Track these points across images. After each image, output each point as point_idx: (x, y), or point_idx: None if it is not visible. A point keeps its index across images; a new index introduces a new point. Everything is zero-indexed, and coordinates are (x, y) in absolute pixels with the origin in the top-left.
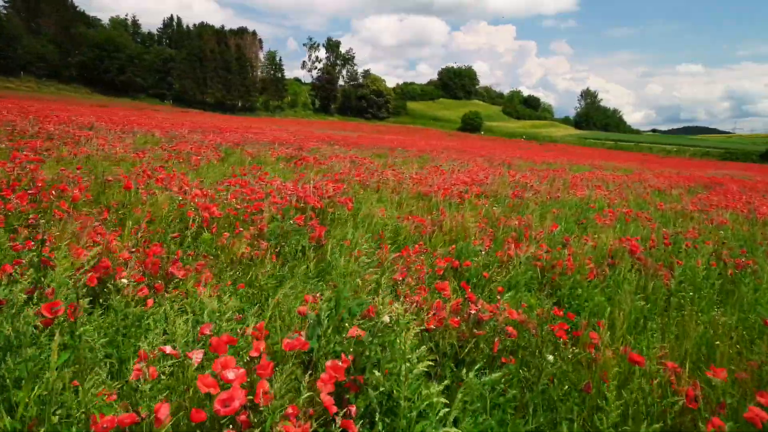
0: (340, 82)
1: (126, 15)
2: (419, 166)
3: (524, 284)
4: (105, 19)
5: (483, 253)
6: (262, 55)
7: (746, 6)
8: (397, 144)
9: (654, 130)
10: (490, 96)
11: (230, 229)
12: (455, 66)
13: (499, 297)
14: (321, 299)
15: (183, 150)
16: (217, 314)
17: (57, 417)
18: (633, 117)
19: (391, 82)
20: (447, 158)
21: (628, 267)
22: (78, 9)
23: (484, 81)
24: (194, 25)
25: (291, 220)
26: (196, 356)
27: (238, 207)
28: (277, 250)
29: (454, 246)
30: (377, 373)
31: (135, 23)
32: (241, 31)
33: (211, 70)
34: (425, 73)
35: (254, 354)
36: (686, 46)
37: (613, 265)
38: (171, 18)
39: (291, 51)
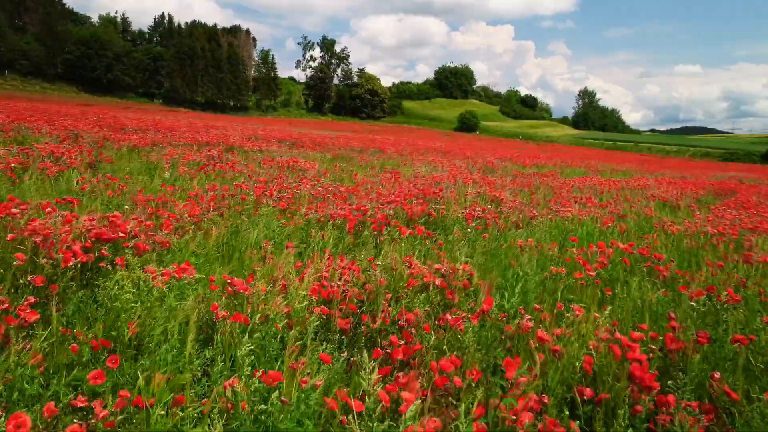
0: (335, 81)
1: (116, 12)
2: (377, 171)
3: None
4: (96, 17)
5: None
6: (255, 54)
7: (744, 7)
8: (376, 145)
9: (652, 130)
10: (488, 95)
11: None
12: (452, 65)
13: None
14: None
15: (37, 154)
16: None
17: None
18: (631, 117)
19: (389, 83)
20: (422, 161)
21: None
22: (66, 6)
23: (483, 81)
24: (186, 23)
25: None
26: None
27: None
28: None
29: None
30: None
31: (124, 21)
32: (235, 30)
33: (202, 69)
34: (425, 74)
35: None
36: (684, 47)
37: (592, 403)
38: (162, 16)
39: (290, 51)
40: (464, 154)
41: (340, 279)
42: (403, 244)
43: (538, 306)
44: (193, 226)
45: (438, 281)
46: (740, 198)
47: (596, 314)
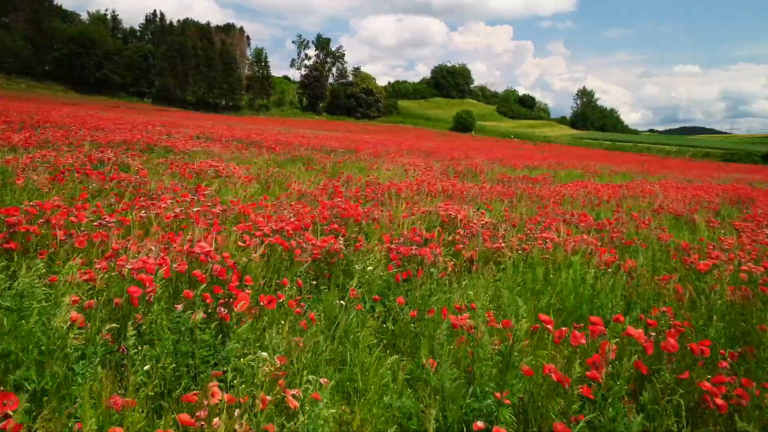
0: (330, 80)
1: (106, 10)
2: (327, 177)
3: None
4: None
5: None
6: (249, 53)
7: (743, 7)
8: (355, 146)
9: (651, 131)
10: (485, 95)
11: None
12: (449, 64)
13: None
14: None
15: None
16: None
17: None
18: (630, 117)
19: (388, 83)
20: (396, 163)
21: None
22: (54, 3)
23: (482, 81)
24: (179, 21)
25: None
26: None
27: None
28: None
29: None
30: None
31: (115, 18)
32: (228, 28)
33: (193, 67)
34: (424, 74)
35: None
36: (683, 47)
37: None
38: (154, 13)
39: (290, 51)
40: (451, 156)
41: None
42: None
43: None
44: None
45: None
46: (763, 207)
47: None
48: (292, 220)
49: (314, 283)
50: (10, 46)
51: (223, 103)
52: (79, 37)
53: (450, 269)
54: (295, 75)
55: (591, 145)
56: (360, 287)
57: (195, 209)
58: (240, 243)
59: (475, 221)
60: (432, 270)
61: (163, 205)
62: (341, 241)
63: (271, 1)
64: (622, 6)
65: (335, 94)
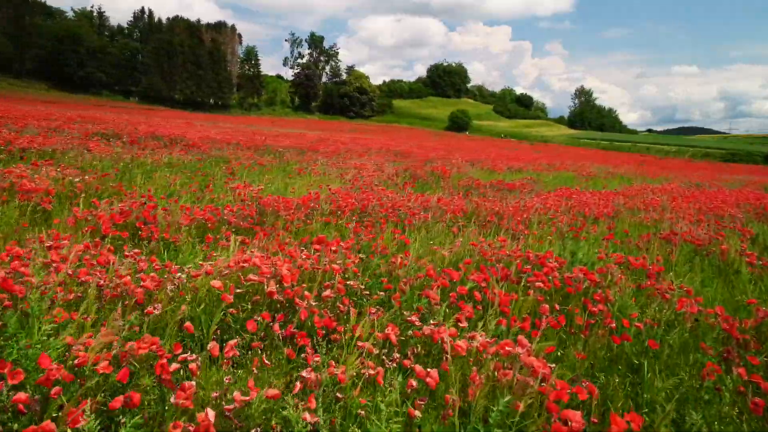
0: (324, 79)
1: (92, 7)
2: (218, 182)
3: None
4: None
5: None
6: (240, 51)
7: (743, 7)
8: (317, 146)
9: (650, 131)
10: (482, 95)
11: None
12: (445, 63)
13: None
14: None
15: None
16: None
17: None
18: (628, 117)
19: (382, 81)
20: (344, 166)
21: None
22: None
23: (481, 81)
24: (168, 18)
25: None
26: None
27: None
28: None
29: None
30: None
31: (101, 15)
32: (219, 26)
33: (181, 66)
34: (422, 74)
35: None
36: (682, 47)
37: None
38: (142, 10)
39: (287, 50)
40: (426, 156)
41: None
42: None
43: None
44: None
45: None
46: None
47: None
48: None
49: None
50: None
51: (212, 102)
52: (62, 34)
53: None
54: (288, 74)
55: (588, 145)
56: None
57: None
58: None
59: (319, 296)
60: None
61: None
62: None
63: (270, 1)
64: (620, 6)
65: (329, 93)
